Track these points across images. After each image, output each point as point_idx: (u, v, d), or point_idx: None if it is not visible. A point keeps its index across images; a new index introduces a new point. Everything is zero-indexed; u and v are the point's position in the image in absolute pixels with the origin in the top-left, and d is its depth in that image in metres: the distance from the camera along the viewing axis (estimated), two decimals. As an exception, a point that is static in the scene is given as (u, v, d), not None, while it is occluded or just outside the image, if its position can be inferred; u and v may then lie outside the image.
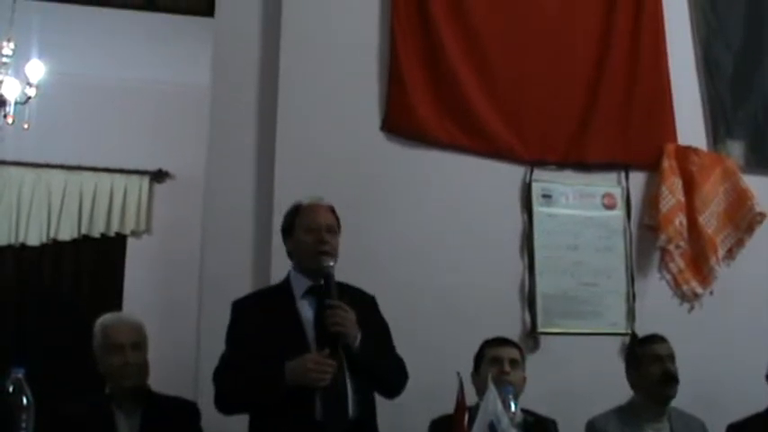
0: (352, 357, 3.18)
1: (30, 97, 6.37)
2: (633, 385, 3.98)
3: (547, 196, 4.75)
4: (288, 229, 3.45)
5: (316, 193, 3.85)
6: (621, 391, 4.00)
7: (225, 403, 3.32)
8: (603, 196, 4.84)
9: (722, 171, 5.00)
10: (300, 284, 3.36)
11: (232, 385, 3.28)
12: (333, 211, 3.46)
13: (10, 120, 6.31)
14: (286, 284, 3.41)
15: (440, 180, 4.62)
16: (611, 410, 3.95)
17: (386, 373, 3.35)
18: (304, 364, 3.09)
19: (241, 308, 3.43)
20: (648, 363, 3.91)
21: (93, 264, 7.34)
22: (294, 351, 3.14)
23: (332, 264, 3.28)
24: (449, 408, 2.78)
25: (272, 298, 3.41)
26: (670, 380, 3.87)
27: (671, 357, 3.91)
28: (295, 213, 3.44)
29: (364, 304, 3.41)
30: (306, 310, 3.29)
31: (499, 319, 4.41)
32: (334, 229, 3.40)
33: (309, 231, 3.35)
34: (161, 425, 3.45)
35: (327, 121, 4.51)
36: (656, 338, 3.99)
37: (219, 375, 3.33)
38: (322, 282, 3.27)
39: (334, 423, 3.12)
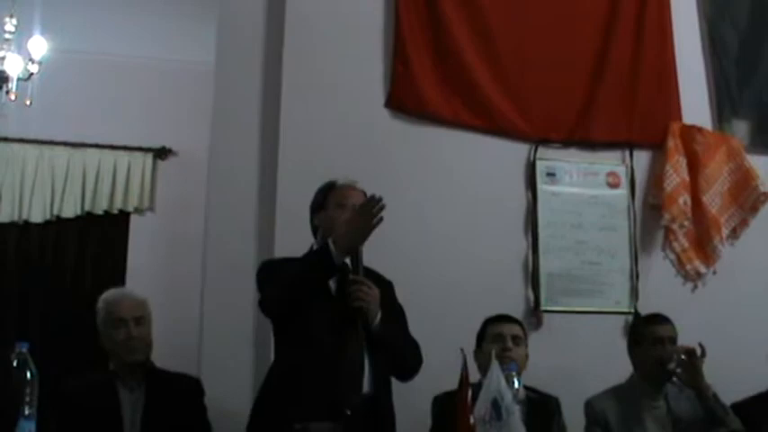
0: (370, 335, 3.22)
1: (32, 74, 6.36)
2: (633, 363, 4.00)
3: (551, 174, 4.74)
4: (319, 205, 3.48)
5: (318, 167, 3.86)
6: (624, 370, 4.01)
7: (276, 298, 3.28)
8: (608, 175, 4.83)
9: (727, 150, 4.99)
10: None
11: (282, 276, 3.27)
12: (365, 195, 3.45)
13: (13, 96, 6.29)
14: None
15: (444, 157, 4.61)
16: (608, 389, 3.96)
17: (402, 354, 3.39)
18: (347, 219, 3.22)
19: (271, 264, 3.50)
20: (648, 344, 3.92)
21: (96, 241, 7.32)
22: (316, 318, 3.19)
23: None
24: (452, 384, 2.78)
25: None
26: (666, 365, 3.89)
27: (672, 340, 3.91)
28: (328, 190, 3.48)
29: (381, 287, 3.42)
30: (330, 283, 3.31)
31: (502, 296, 4.40)
32: None
33: (341, 207, 3.38)
34: (165, 400, 3.47)
35: (332, 97, 4.50)
36: (659, 319, 3.98)
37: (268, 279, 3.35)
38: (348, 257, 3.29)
39: (349, 397, 3.13)
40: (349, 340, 3.20)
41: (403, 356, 3.40)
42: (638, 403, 3.88)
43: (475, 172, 4.63)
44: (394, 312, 3.44)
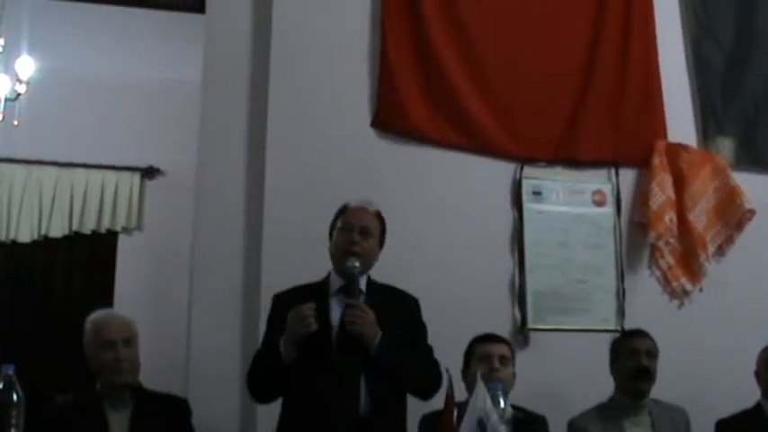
0: (368, 357, 3.22)
1: (20, 94, 6.35)
2: (614, 379, 4.02)
3: (537, 193, 4.75)
4: (331, 230, 3.49)
5: (304, 186, 3.85)
6: (611, 388, 4.02)
7: (251, 389, 3.47)
8: (593, 193, 4.84)
9: (712, 168, 5.00)
10: (335, 283, 3.42)
11: (251, 370, 3.44)
12: (378, 215, 3.50)
13: (0, 116, 6.29)
14: (325, 282, 3.46)
15: (430, 177, 4.62)
16: (591, 408, 3.98)
17: (410, 374, 3.37)
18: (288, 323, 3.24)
19: (279, 301, 3.49)
20: (625, 357, 3.96)
21: (84, 260, 7.32)
22: (317, 346, 3.22)
23: (356, 264, 3.31)
24: (439, 404, 2.79)
25: (310, 294, 3.37)
26: (642, 374, 3.90)
27: (648, 353, 3.94)
28: (339, 214, 3.49)
29: (403, 306, 3.49)
30: (335, 309, 3.34)
31: (489, 315, 4.39)
32: (370, 231, 3.43)
33: (342, 231, 3.40)
34: (152, 421, 3.45)
35: (318, 117, 4.51)
36: (636, 333, 4.05)
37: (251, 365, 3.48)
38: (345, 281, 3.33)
39: (345, 420, 3.16)
40: (345, 365, 3.22)
41: (411, 376, 3.38)
42: (621, 420, 3.90)
43: (461, 191, 4.64)
44: (412, 330, 3.47)
